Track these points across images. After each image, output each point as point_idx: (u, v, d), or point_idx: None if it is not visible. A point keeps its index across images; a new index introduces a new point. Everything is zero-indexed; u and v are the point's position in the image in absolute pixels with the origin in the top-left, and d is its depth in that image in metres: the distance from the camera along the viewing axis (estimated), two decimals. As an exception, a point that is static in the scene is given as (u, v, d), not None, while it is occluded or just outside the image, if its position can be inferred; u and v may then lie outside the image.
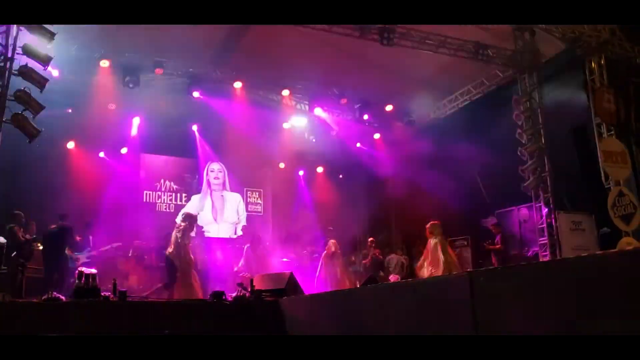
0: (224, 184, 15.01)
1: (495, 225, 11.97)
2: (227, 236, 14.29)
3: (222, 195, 14.91)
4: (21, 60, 7.85)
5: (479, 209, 12.67)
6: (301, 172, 15.86)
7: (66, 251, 10.89)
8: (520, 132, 11.27)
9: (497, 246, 11.63)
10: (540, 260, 10.53)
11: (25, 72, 7.80)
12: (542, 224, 10.98)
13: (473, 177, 12.83)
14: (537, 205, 11.11)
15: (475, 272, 3.63)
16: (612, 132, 10.90)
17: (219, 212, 14.70)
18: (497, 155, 11.71)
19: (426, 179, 12.97)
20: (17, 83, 7.79)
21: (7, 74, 7.58)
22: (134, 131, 13.34)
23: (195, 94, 12.83)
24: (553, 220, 10.74)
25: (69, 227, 10.11)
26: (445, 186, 12.55)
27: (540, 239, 10.95)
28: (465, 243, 12.96)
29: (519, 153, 11.18)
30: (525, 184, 11.02)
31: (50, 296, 6.34)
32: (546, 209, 10.93)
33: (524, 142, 11.21)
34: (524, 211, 12.02)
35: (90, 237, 11.21)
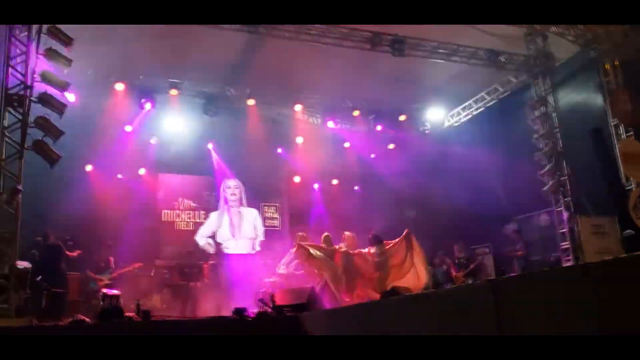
0: (240, 200, 15.07)
1: (516, 231, 11.86)
2: (246, 252, 14.31)
3: (239, 211, 14.96)
4: (40, 87, 8.00)
5: (499, 215, 12.57)
6: (316, 185, 15.88)
7: (88, 273, 11.02)
8: (536, 137, 11.21)
9: (519, 252, 11.51)
10: (563, 265, 10.42)
11: (45, 99, 7.94)
12: (563, 228, 10.87)
13: (491, 183, 12.73)
14: (557, 210, 11.00)
15: (498, 280, 3.61)
16: (631, 133, 10.78)
17: (237, 228, 14.74)
18: (514, 160, 11.64)
19: (443, 187, 12.92)
20: (37, 110, 7.93)
21: (27, 102, 7.72)
22: (150, 152, 13.49)
23: (210, 113, 13.02)
24: (574, 225, 10.62)
25: (56, 244, 10.00)
26: (463, 194, 12.49)
27: (562, 243, 10.84)
28: (487, 250, 12.85)
29: (536, 158, 11.10)
30: (544, 189, 10.93)
31: (75, 319, 6.42)
32: (567, 214, 10.82)
33: (540, 146, 11.14)
34: (544, 216, 11.91)
35: (112, 259, 11.30)
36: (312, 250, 9.31)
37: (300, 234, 11.15)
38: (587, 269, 2.93)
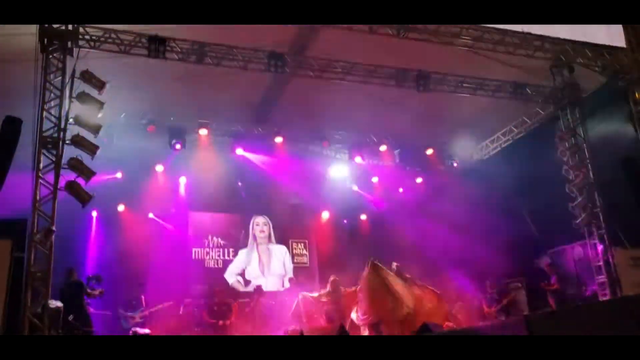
0: (269, 236, 15.10)
1: (549, 265, 11.59)
2: (275, 289, 14.25)
3: (268, 248, 14.98)
4: (73, 130, 8.25)
5: (531, 249, 12.31)
6: (345, 221, 15.83)
7: (120, 311, 11.10)
8: (566, 169, 11.03)
9: (554, 287, 11.21)
10: (600, 299, 10.10)
11: (77, 141, 8.18)
12: (598, 261, 10.56)
13: (522, 217, 12.52)
14: (591, 242, 10.72)
15: (533, 315, 3.52)
16: (664, 162, 10.53)
17: (266, 266, 14.74)
18: (545, 193, 11.46)
19: (473, 221, 12.74)
20: (70, 151, 8.16)
21: (60, 144, 7.96)
22: (181, 191, 13.71)
23: (239, 151, 13.27)
24: (610, 257, 10.32)
25: (80, 282, 10.01)
26: (494, 228, 12.30)
27: (598, 277, 10.51)
28: (520, 285, 12.54)
29: (567, 190, 10.90)
30: (577, 221, 10.69)
31: None
32: (601, 246, 10.53)
33: (571, 178, 10.95)
34: (577, 249, 11.62)
35: (143, 297, 11.40)
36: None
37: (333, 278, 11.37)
38: (626, 301, 2.85)
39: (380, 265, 10.00)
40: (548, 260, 11.73)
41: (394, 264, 10.63)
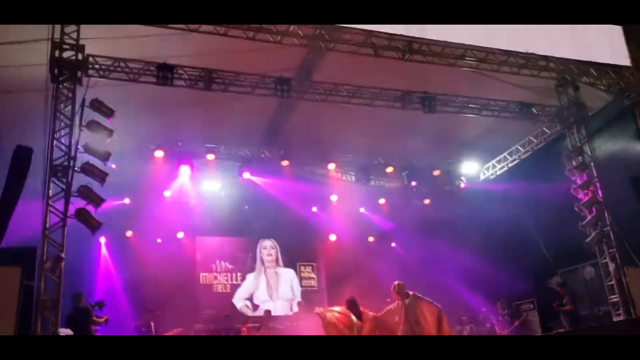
0: (276, 260, 15.07)
1: (561, 285, 11.46)
2: (284, 314, 14.16)
3: (276, 272, 14.93)
4: (83, 157, 8.31)
5: (542, 269, 12.21)
6: (352, 243, 15.76)
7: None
8: (575, 187, 10.98)
9: (567, 307, 11.06)
10: (614, 319, 9.97)
11: (87, 169, 8.22)
12: (610, 281, 10.44)
13: (531, 237, 12.43)
14: (602, 261, 10.62)
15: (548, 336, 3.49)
16: (673, 179, 10.48)
17: (274, 289, 14.68)
18: (553, 212, 11.40)
19: (482, 242, 12.67)
20: (80, 179, 8.21)
21: (70, 172, 8.01)
22: (188, 215, 13.72)
23: (246, 175, 13.33)
24: (623, 276, 10.21)
25: (87, 308, 10.02)
26: (503, 249, 12.22)
27: (611, 296, 10.38)
28: (532, 306, 12.41)
29: (576, 209, 10.83)
30: (587, 241, 10.60)
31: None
32: (613, 265, 10.42)
33: (579, 197, 10.89)
34: (589, 268, 11.52)
35: (152, 323, 11.33)
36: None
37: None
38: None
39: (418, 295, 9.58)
40: (560, 280, 11.60)
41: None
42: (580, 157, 11.07)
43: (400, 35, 9.23)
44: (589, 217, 10.69)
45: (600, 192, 10.78)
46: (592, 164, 10.98)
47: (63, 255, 7.69)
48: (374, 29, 9.03)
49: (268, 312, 13.19)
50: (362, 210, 15.56)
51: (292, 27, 8.92)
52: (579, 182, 10.94)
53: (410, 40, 9.47)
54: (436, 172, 14.59)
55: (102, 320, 10.01)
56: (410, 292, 9.23)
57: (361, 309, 9.37)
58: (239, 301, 14.08)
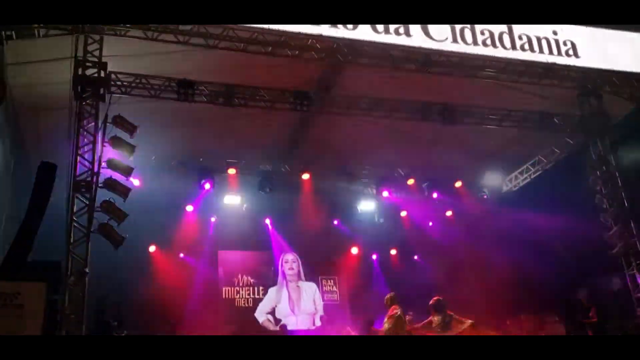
0: (298, 273, 15.04)
1: (587, 297, 11.21)
2: (306, 328, 14.10)
3: (298, 286, 14.90)
4: (106, 172, 8.46)
5: (567, 281, 11.96)
6: (374, 256, 15.69)
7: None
8: (600, 197, 10.78)
9: (593, 319, 10.82)
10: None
11: (110, 184, 8.38)
12: (638, 292, 10.20)
13: (556, 249, 12.22)
14: (629, 273, 10.38)
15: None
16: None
17: (296, 303, 14.64)
18: (578, 223, 11.17)
19: (506, 254, 12.50)
20: (103, 194, 8.34)
21: (94, 188, 8.15)
22: (210, 230, 13.83)
23: (266, 189, 13.35)
24: (651, 288, 9.97)
25: (108, 322, 10.04)
26: (528, 261, 12.03)
27: (639, 309, 10.13)
28: (557, 319, 12.15)
29: (602, 219, 10.63)
30: (613, 252, 10.38)
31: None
32: (640, 277, 10.19)
33: (604, 207, 10.69)
34: (616, 280, 11.24)
35: (173, 338, 11.36)
36: None
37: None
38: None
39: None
40: (586, 293, 11.36)
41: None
42: (604, 167, 10.89)
43: (419, 47, 9.20)
44: (614, 228, 10.49)
45: (625, 202, 10.57)
46: (616, 173, 10.78)
47: (87, 270, 7.79)
48: (391, 42, 9.02)
49: (284, 326, 13.18)
50: (383, 222, 15.49)
51: (310, 40, 8.97)
52: (604, 192, 10.75)
53: (429, 52, 9.45)
54: (458, 184, 14.47)
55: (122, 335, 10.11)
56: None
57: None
58: (261, 315, 14.07)
